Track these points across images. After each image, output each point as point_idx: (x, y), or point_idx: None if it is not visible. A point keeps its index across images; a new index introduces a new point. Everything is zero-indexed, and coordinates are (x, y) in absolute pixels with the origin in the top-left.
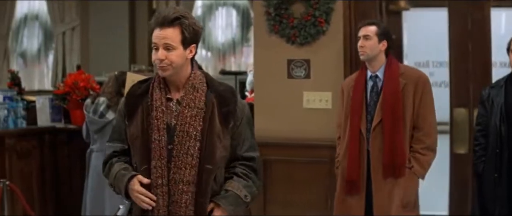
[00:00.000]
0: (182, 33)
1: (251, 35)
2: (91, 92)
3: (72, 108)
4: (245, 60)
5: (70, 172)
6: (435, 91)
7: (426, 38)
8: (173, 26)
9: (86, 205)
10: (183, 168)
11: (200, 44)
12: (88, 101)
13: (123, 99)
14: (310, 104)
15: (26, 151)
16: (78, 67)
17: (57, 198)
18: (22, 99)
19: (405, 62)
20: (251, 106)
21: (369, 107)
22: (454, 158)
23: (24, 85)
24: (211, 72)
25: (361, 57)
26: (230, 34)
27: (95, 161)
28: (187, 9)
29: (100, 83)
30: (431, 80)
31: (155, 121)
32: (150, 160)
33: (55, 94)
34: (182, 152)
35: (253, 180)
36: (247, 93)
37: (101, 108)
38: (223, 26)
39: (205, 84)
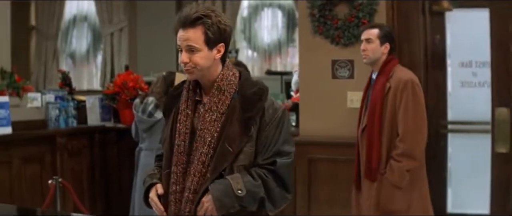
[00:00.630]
0: (205, 33)
1: (297, 35)
2: (140, 92)
3: (121, 108)
4: (291, 61)
5: (119, 170)
6: (477, 91)
7: (469, 38)
8: (195, 26)
9: (135, 203)
10: (192, 176)
11: (245, 44)
12: (137, 100)
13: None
14: (354, 104)
15: (77, 150)
16: (127, 68)
17: (106, 196)
18: (73, 99)
19: (449, 62)
20: (295, 105)
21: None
22: (496, 158)
23: (74, 85)
24: (257, 72)
25: (364, 61)
26: (276, 34)
27: (144, 159)
28: (234, 9)
29: (148, 83)
30: (474, 80)
31: (178, 125)
32: (171, 164)
33: (105, 94)
34: (196, 159)
35: (267, 183)
36: (292, 93)
37: (150, 108)
38: (269, 26)
39: (235, 86)
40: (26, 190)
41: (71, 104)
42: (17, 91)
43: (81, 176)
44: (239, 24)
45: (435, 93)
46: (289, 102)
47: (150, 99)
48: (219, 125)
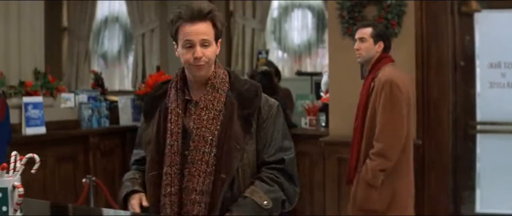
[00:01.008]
0: (215, 27)
1: (326, 36)
2: None
3: None
4: (321, 61)
5: None
6: (506, 91)
7: (498, 39)
8: (206, 20)
9: None
10: (197, 176)
11: (275, 45)
12: None
13: (144, 101)
14: None
15: (109, 149)
16: (158, 68)
17: None
18: (105, 99)
19: (477, 63)
20: (325, 106)
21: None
22: None
23: (106, 85)
24: (287, 73)
25: (357, 60)
26: (306, 35)
27: None
28: (264, 9)
29: None
30: (503, 81)
31: (170, 124)
32: (161, 166)
33: (137, 94)
34: (197, 158)
35: (281, 184)
36: (322, 94)
37: None
38: (299, 27)
39: (227, 84)
40: (59, 188)
41: (104, 104)
42: (51, 91)
43: (113, 175)
44: (269, 25)
45: (463, 94)
46: (318, 103)
47: None
48: (218, 123)
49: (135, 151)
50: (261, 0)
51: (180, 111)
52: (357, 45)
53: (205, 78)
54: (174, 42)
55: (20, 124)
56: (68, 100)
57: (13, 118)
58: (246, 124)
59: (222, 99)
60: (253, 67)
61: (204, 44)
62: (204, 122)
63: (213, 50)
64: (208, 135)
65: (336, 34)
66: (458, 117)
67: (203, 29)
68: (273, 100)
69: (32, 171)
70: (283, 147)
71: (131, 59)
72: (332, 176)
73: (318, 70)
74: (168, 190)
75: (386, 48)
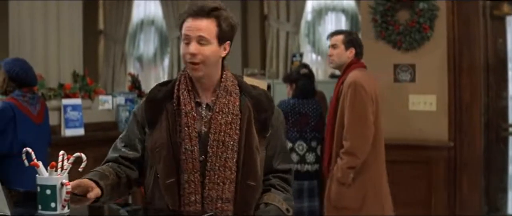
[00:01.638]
0: (219, 26)
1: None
2: None
3: None
4: None
5: None
6: None
7: None
8: (209, 17)
9: None
10: (221, 184)
11: (309, 48)
12: None
13: (141, 105)
14: (415, 107)
15: None
16: None
17: None
18: None
19: (510, 66)
20: None
21: None
22: None
23: (143, 88)
24: (320, 76)
25: (330, 65)
26: None
27: None
28: (298, 13)
29: None
30: None
31: (186, 128)
32: (178, 172)
33: None
34: (218, 165)
35: (291, 194)
36: None
37: None
38: (332, 30)
39: (237, 87)
40: None
41: None
42: (89, 94)
43: None
44: (303, 28)
45: (495, 97)
46: None
47: None
48: (237, 127)
49: (120, 145)
50: (295, 2)
51: (196, 114)
52: (330, 51)
53: (212, 80)
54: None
55: (59, 125)
56: (106, 102)
57: (53, 119)
58: (263, 129)
59: (237, 103)
60: (287, 70)
61: (201, 41)
62: (222, 126)
63: (212, 50)
64: (228, 140)
65: (369, 37)
66: (490, 119)
67: (202, 26)
68: (277, 107)
69: (80, 169)
70: (288, 157)
71: (166, 61)
72: None
73: None
74: (192, 198)
75: (358, 54)
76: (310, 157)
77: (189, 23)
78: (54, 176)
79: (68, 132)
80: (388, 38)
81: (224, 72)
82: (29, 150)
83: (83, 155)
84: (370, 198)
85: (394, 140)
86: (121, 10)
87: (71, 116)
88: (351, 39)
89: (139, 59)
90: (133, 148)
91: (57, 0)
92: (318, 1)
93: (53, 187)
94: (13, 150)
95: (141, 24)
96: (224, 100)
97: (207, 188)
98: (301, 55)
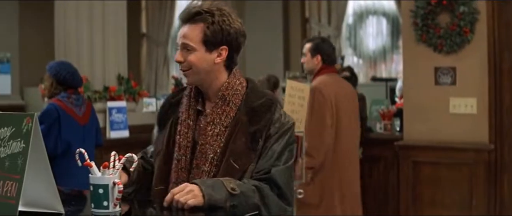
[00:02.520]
0: (204, 32)
1: (401, 42)
2: None
3: None
4: (396, 67)
5: None
6: None
7: None
8: (194, 23)
9: None
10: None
11: (351, 51)
12: None
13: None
14: (456, 109)
15: None
16: None
17: None
18: None
19: None
20: (400, 111)
21: None
22: None
23: None
24: (362, 78)
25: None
26: (381, 41)
27: None
28: (339, 16)
29: None
30: None
31: (178, 137)
32: (168, 180)
33: None
34: (197, 177)
35: (261, 190)
36: (396, 99)
37: None
38: (373, 33)
39: (240, 96)
40: None
41: None
42: (134, 96)
43: None
44: (344, 31)
45: None
46: (393, 108)
47: None
48: (223, 140)
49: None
50: (336, 5)
51: (191, 123)
52: (302, 58)
53: (212, 88)
54: None
55: (104, 128)
56: (150, 105)
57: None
58: (253, 141)
59: (232, 114)
60: None
61: (187, 48)
62: (209, 137)
63: (198, 56)
64: (210, 152)
65: (410, 40)
66: None
67: (186, 32)
68: (289, 118)
69: (131, 169)
70: (275, 162)
71: None
72: (407, 179)
73: (393, 75)
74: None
75: (325, 61)
76: None
77: (180, 30)
78: (107, 175)
79: (113, 134)
80: (429, 41)
81: (227, 80)
82: (82, 150)
83: (134, 156)
84: (327, 196)
85: (435, 142)
86: (163, 13)
87: (116, 119)
88: (317, 46)
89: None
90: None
91: (102, 0)
92: (359, 4)
93: (105, 187)
94: (57, 151)
95: None
96: (218, 110)
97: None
98: (342, 58)
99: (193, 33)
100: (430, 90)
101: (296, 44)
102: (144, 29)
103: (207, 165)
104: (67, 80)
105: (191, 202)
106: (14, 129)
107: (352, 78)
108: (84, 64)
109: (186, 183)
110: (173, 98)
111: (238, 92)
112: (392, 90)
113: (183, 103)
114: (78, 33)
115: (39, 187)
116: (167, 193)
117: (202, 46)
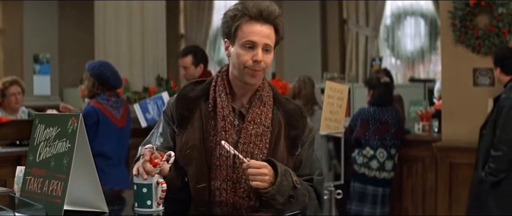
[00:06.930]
0: (277, 34)
1: (439, 43)
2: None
3: None
4: (434, 68)
5: None
6: None
7: None
8: (272, 24)
9: None
10: (247, 199)
11: (389, 52)
12: None
13: (172, 103)
14: None
15: None
16: (274, 75)
17: None
18: None
19: None
20: (438, 112)
21: None
22: None
23: None
24: (400, 80)
25: None
26: (419, 42)
27: None
28: (377, 17)
29: None
30: None
31: (223, 133)
32: (210, 177)
33: None
34: (245, 177)
35: (311, 192)
36: (435, 100)
37: None
38: (411, 34)
39: (272, 98)
40: None
41: None
42: None
43: None
44: (382, 33)
45: None
46: (431, 109)
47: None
48: (267, 140)
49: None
50: (374, 6)
51: (236, 121)
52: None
53: (255, 87)
54: (226, 39)
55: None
56: None
57: (138, 122)
58: (293, 146)
59: (270, 115)
60: (366, 75)
61: (266, 49)
62: (253, 137)
63: (271, 58)
64: (257, 152)
65: (449, 41)
66: None
67: (268, 33)
68: (311, 123)
69: (168, 165)
70: (314, 166)
71: None
72: (444, 180)
73: (431, 76)
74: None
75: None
76: (389, 165)
77: (254, 28)
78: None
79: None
80: (467, 42)
81: (262, 81)
82: (172, 153)
83: (171, 153)
84: None
85: (473, 144)
86: (201, 15)
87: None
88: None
89: (220, 63)
90: (167, 141)
91: (141, 0)
92: (397, 5)
93: (149, 186)
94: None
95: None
96: (257, 110)
97: (236, 198)
98: (380, 60)
99: (272, 34)
100: (469, 91)
101: (334, 45)
102: (182, 30)
103: None
104: (109, 80)
105: (255, 184)
106: (59, 129)
107: (391, 83)
108: (123, 65)
109: (265, 164)
110: (190, 93)
111: (269, 94)
112: (431, 91)
113: (220, 98)
114: (118, 34)
115: (84, 186)
116: (210, 191)
117: (273, 48)
